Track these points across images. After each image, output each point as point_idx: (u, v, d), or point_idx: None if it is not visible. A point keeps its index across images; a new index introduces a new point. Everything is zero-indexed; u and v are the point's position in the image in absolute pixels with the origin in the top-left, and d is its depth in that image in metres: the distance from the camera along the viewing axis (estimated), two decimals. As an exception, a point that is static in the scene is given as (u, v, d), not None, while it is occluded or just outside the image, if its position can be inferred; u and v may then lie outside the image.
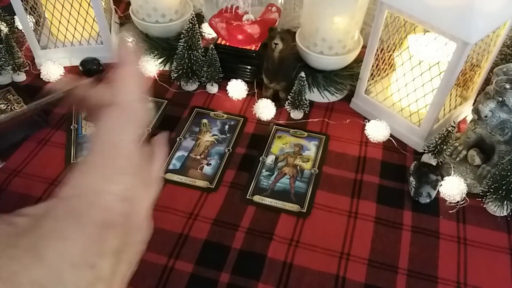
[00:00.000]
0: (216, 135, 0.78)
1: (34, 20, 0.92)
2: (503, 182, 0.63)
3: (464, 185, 0.68)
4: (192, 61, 0.83)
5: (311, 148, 0.76)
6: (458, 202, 0.68)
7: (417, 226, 0.65)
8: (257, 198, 0.68)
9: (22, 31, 0.90)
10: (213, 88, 0.86)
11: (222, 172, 0.72)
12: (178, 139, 0.77)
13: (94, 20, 0.87)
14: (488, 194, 0.66)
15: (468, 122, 0.75)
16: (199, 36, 0.82)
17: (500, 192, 0.64)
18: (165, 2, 0.86)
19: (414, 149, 0.76)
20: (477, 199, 0.68)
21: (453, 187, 0.68)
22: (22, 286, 0.25)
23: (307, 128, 0.80)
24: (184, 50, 0.82)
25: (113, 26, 0.95)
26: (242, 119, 0.81)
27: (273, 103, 0.81)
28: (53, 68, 0.86)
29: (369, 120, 0.79)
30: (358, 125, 0.80)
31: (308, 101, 0.80)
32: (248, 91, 0.85)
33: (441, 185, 0.68)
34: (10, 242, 0.27)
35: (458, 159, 0.72)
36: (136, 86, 0.37)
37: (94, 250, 0.28)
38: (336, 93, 0.84)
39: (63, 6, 0.85)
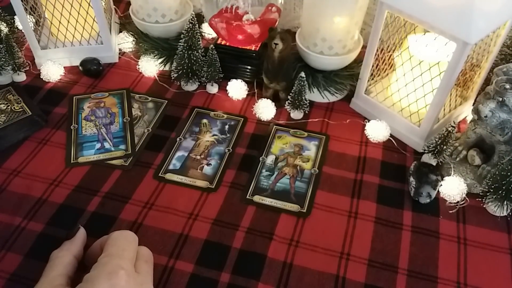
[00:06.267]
0: (216, 135, 0.78)
1: (34, 20, 0.92)
2: (503, 182, 0.63)
3: (464, 185, 0.68)
4: (192, 61, 0.83)
5: (311, 148, 0.76)
6: (458, 202, 0.68)
7: (417, 226, 0.65)
8: (257, 198, 0.68)
9: (22, 31, 0.90)
10: (213, 88, 0.86)
11: (222, 172, 0.72)
12: (178, 139, 0.77)
13: (94, 20, 0.87)
14: (488, 194, 0.66)
15: (468, 122, 0.75)
16: (199, 36, 0.82)
17: (500, 192, 0.64)
18: (165, 2, 0.86)
19: (414, 149, 0.76)
20: (477, 199, 0.68)
21: (453, 187, 0.68)
22: None
23: (307, 128, 0.80)
24: (184, 50, 0.82)
25: (113, 26, 0.95)
26: (242, 119, 0.81)
27: (273, 103, 0.81)
28: (53, 68, 0.86)
29: (369, 120, 0.79)
30: (358, 125, 0.81)
31: (308, 101, 0.80)
32: (248, 91, 0.85)
33: (441, 185, 0.68)
34: None
35: (458, 159, 0.72)
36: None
37: None
38: (336, 93, 0.84)
39: (63, 6, 0.85)
